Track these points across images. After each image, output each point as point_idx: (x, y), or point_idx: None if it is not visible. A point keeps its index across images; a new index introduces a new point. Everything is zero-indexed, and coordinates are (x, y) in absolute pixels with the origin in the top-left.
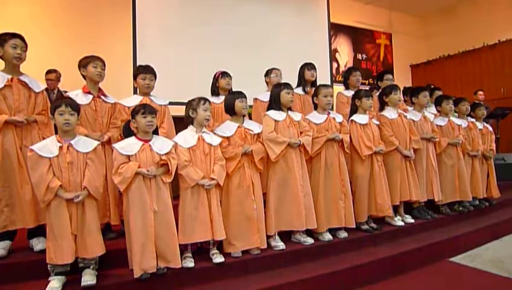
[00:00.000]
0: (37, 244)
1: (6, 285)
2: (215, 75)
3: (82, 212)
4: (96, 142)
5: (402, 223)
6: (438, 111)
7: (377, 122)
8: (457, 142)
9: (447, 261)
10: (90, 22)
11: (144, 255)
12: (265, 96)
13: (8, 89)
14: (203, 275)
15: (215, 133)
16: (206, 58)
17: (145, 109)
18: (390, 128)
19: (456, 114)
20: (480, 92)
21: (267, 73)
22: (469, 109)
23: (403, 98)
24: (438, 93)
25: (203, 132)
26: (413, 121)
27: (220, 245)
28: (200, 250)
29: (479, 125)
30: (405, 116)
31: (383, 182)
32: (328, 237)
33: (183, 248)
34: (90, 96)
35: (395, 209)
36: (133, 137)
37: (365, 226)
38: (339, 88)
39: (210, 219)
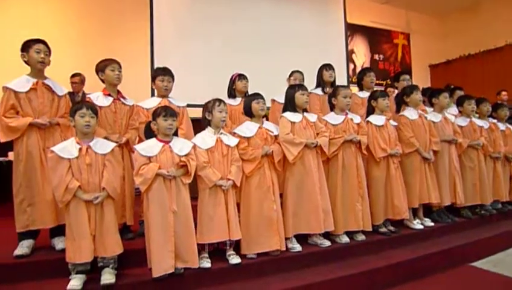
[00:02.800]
0: (59, 243)
1: (30, 282)
2: (231, 78)
3: (100, 212)
4: (113, 144)
5: (421, 227)
6: (460, 111)
7: (395, 124)
8: (477, 144)
9: (468, 266)
10: (110, 26)
11: (162, 255)
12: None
13: (33, 92)
14: (220, 275)
15: (234, 133)
16: (224, 60)
17: (167, 111)
18: (411, 129)
19: (477, 115)
20: (504, 92)
21: (290, 75)
22: (490, 109)
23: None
24: (460, 93)
25: (221, 133)
26: (434, 122)
27: (238, 247)
28: (217, 251)
29: (501, 126)
30: (425, 117)
31: (400, 185)
32: (345, 239)
33: (200, 248)
34: (111, 99)
35: (414, 213)
36: (154, 139)
37: (383, 229)
38: (355, 89)
39: (227, 219)
